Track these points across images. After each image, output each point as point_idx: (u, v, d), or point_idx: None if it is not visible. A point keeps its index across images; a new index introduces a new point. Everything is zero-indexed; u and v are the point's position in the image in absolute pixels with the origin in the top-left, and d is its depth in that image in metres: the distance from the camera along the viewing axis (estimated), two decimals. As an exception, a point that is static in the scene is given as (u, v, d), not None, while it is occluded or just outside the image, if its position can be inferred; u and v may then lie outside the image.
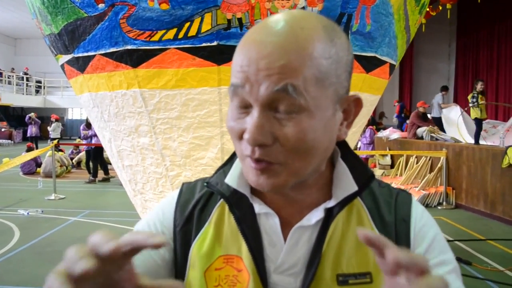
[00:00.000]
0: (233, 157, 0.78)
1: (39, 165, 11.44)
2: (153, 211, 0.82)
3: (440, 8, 11.24)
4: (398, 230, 0.72)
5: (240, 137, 0.63)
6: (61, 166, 11.12)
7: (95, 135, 9.90)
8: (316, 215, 0.70)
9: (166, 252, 0.76)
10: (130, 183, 3.39)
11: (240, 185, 0.73)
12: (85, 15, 2.58)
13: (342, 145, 0.75)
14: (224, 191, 0.74)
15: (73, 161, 12.47)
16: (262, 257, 0.69)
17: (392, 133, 10.80)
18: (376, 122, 14.85)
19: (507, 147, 6.48)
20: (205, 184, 0.77)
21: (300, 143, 0.61)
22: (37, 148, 13.98)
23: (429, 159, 8.54)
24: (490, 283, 4.08)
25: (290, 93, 0.58)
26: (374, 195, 0.75)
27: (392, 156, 10.37)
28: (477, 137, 7.77)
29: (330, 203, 0.70)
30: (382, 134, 11.42)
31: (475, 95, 7.79)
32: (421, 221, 0.74)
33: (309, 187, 0.71)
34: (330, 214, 0.70)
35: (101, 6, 2.49)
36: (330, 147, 0.67)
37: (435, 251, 0.71)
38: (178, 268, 0.76)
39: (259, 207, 0.72)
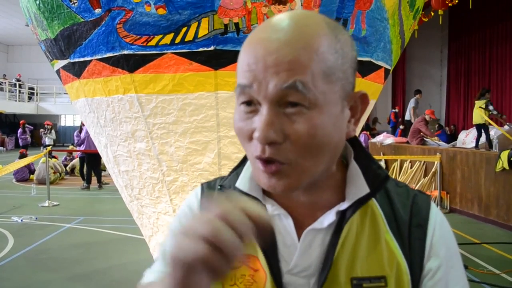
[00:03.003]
0: (246, 158, 0.78)
1: (32, 172, 11.36)
2: (180, 211, 0.82)
3: (432, 14, 11.35)
4: (412, 235, 0.70)
5: (250, 138, 0.62)
6: (54, 172, 11.05)
7: (83, 142, 9.85)
8: (328, 218, 0.69)
9: None
10: (126, 188, 3.37)
11: (251, 188, 0.73)
12: (82, 20, 2.58)
13: (355, 145, 0.74)
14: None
15: (67, 167, 12.40)
16: (277, 257, 0.69)
17: (386, 138, 10.84)
18: (370, 127, 14.93)
19: (500, 151, 6.53)
20: (219, 187, 0.77)
21: (311, 140, 0.60)
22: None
23: (423, 164, 8.58)
24: (486, 286, 4.09)
25: (300, 89, 0.58)
26: (389, 196, 0.73)
27: (386, 161, 10.40)
28: (478, 141, 7.82)
29: (343, 206, 0.69)
30: (376, 139, 11.46)
31: (490, 102, 7.84)
32: (440, 231, 0.71)
33: (321, 188, 0.70)
34: (343, 217, 0.69)
35: (97, 11, 2.49)
36: (340, 145, 0.66)
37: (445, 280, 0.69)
38: None
39: (271, 209, 0.71)
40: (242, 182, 0.74)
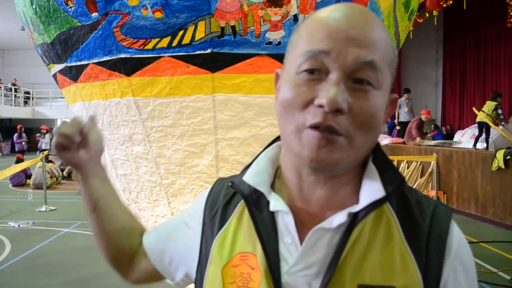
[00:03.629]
0: (257, 157, 0.78)
1: (28, 176, 11.32)
2: (191, 204, 0.88)
3: (427, 15, 11.41)
4: (430, 245, 0.67)
5: (305, 105, 0.62)
6: (51, 177, 11.01)
7: None
8: (339, 218, 0.66)
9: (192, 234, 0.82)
10: (124, 192, 3.37)
11: (258, 182, 0.73)
12: (78, 24, 2.58)
13: (375, 148, 0.72)
14: (244, 190, 0.73)
15: (64, 172, 12.36)
16: (277, 256, 0.68)
17: (383, 139, 10.87)
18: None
19: (496, 151, 6.56)
20: (230, 184, 0.77)
21: (369, 118, 0.62)
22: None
23: (420, 164, 8.61)
24: (483, 284, 4.11)
25: (375, 67, 0.61)
26: (408, 204, 0.70)
27: (383, 162, 10.41)
28: (477, 139, 7.83)
29: (356, 208, 0.67)
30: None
31: (500, 106, 7.85)
32: (464, 255, 0.69)
33: (340, 183, 0.69)
34: (354, 220, 0.66)
35: (94, 15, 2.50)
36: (378, 136, 0.68)
37: None
38: (201, 262, 0.77)
39: (274, 204, 0.70)
40: (249, 176, 0.74)
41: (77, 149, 0.88)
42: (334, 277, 0.64)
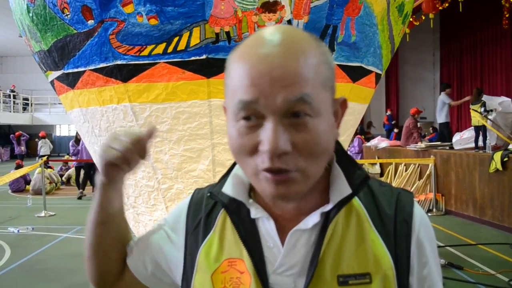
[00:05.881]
0: (232, 166, 0.81)
1: (28, 182, 11.33)
2: (168, 214, 0.89)
3: (423, 18, 11.44)
4: (398, 230, 0.73)
5: (252, 152, 0.64)
6: (50, 183, 11.03)
7: (78, 153, 9.93)
8: (313, 219, 0.72)
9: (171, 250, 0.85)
10: (122, 197, 3.39)
11: (236, 192, 0.77)
12: (75, 31, 2.61)
13: (337, 149, 0.77)
14: (223, 200, 0.77)
15: (63, 178, 12.37)
16: (262, 259, 0.72)
17: (381, 142, 10.89)
18: (364, 131, 14.99)
19: (493, 153, 6.58)
20: (209, 194, 0.81)
21: (316, 147, 0.64)
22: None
23: (418, 167, 8.62)
24: (481, 286, 4.12)
25: (307, 101, 0.62)
26: (374, 195, 0.77)
27: (381, 165, 10.45)
28: (477, 142, 7.71)
29: (327, 207, 0.72)
30: (371, 143, 11.51)
31: (484, 103, 7.72)
32: (424, 229, 0.75)
33: (309, 194, 0.72)
34: (327, 218, 0.72)
35: (90, 22, 2.52)
36: (333, 148, 0.71)
37: (429, 277, 0.74)
38: (186, 271, 0.80)
39: (255, 212, 0.75)
40: (228, 188, 0.78)
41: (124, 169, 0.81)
42: (316, 273, 0.69)
